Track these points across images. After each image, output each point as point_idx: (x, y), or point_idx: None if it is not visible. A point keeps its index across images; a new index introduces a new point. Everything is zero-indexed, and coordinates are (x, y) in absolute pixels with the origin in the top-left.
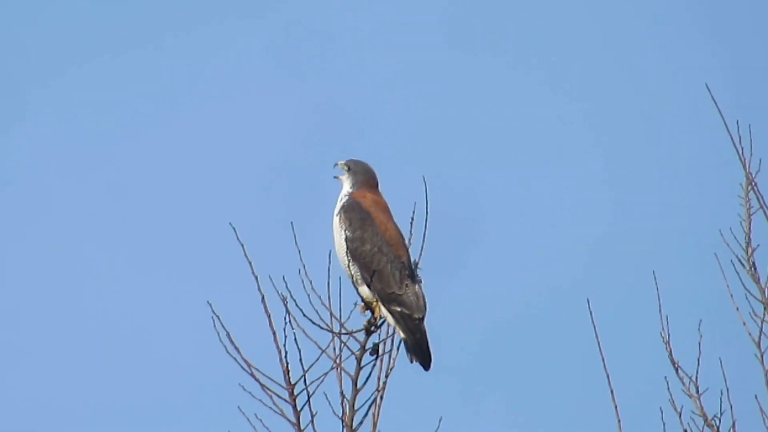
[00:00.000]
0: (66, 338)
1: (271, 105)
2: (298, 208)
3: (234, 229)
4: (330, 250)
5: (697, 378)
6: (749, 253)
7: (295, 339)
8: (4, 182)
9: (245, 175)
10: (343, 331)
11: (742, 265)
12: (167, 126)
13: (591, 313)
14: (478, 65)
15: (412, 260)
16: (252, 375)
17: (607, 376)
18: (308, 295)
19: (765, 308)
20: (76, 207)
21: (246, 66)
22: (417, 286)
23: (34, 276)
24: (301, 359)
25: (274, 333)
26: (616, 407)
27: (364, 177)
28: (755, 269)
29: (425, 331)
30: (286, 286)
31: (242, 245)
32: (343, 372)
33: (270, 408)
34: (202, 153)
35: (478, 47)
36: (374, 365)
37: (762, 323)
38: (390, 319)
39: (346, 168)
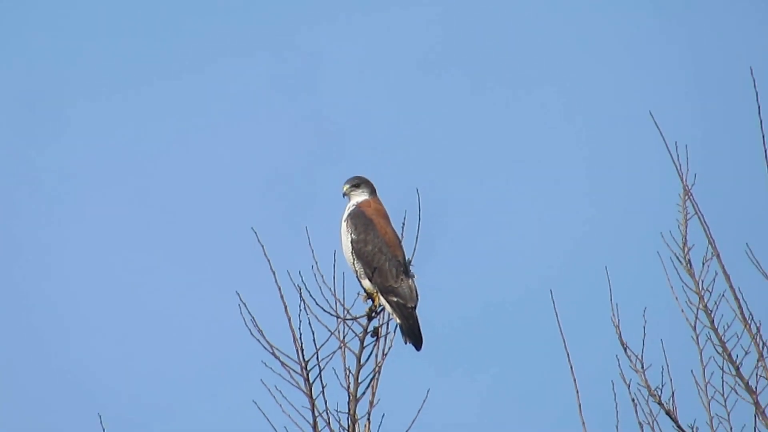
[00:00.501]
0: (121, 325)
1: (278, 124)
2: (310, 213)
3: (255, 232)
4: (335, 250)
5: (642, 356)
6: (686, 251)
7: (309, 323)
8: (58, 186)
9: (263, 185)
10: (349, 317)
11: (680, 261)
12: (195, 144)
13: (554, 302)
14: (460, 83)
15: (407, 258)
16: (272, 353)
17: (567, 355)
18: (319, 287)
19: (699, 298)
20: (118, 212)
21: (253, 92)
22: (411, 280)
23: (90, 273)
24: (313, 340)
25: (290, 319)
26: (575, 380)
27: (367, 190)
28: (690, 265)
29: (417, 318)
30: (301, 280)
31: (262, 246)
32: (348, 351)
33: (287, 381)
34: (224, 167)
35: (457, 68)
36: (374, 345)
37: (697, 310)
38: (388, 307)
39: (353, 188)
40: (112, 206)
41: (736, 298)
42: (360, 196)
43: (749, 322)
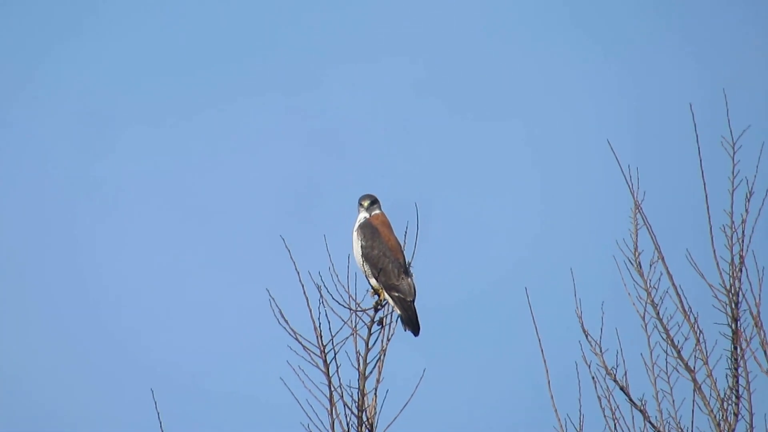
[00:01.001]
0: (171, 316)
1: (295, 147)
2: (327, 223)
3: (283, 239)
4: (348, 255)
5: (600, 342)
6: (636, 256)
7: (326, 315)
8: (116, 193)
9: (289, 199)
10: (359, 309)
11: (632, 264)
12: (230, 163)
13: (528, 298)
14: (441, 111)
15: (407, 261)
16: (296, 339)
17: (539, 341)
18: (335, 285)
19: (647, 294)
20: (164, 219)
21: (272, 121)
22: (410, 279)
23: (144, 271)
24: (329, 328)
25: (311, 311)
26: (545, 361)
27: (377, 206)
28: (640, 267)
29: (415, 309)
30: (320, 279)
31: (288, 251)
32: (358, 337)
33: (308, 362)
34: (255, 183)
35: (439, 99)
36: (380, 332)
37: (645, 304)
38: (390, 301)
39: (370, 204)
40: (158, 213)
41: (678, 294)
42: (372, 211)
43: (688, 313)
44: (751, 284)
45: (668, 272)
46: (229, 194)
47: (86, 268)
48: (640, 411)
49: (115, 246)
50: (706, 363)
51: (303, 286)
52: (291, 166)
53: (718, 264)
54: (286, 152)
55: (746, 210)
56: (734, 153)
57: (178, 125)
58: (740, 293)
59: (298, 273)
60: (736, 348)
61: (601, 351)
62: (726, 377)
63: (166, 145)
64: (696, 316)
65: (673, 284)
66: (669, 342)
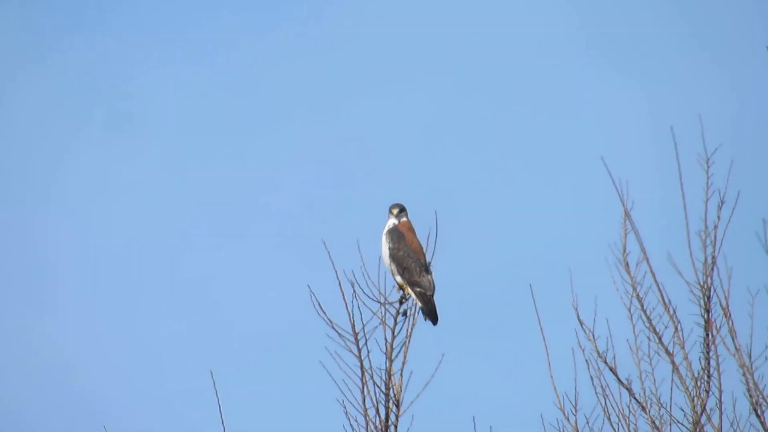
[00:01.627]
0: (230, 312)
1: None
2: (361, 228)
3: (324, 242)
4: (378, 256)
5: (593, 330)
6: (625, 256)
7: (359, 307)
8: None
9: (329, 208)
10: (386, 302)
11: (620, 263)
12: (273, 178)
13: (532, 292)
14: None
15: (428, 261)
16: (333, 328)
17: (541, 329)
18: (366, 282)
19: (633, 289)
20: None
21: (315, 148)
22: (430, 276)
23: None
24: (361, 319)
25: (346, 304)
26: (546, 347)
27: (405, 213)
28: (628, 266)
29: (434, 303)
30: (353, 276)
31: (328, 252)
32: (386, 326)
33: (343, 347)
34: (297, 195)
35: (458, 130)
36: (404, 322)
37: (632, 298)
38: (413, 295)
39: (399, 212)
40: (216, 219)
41: (659, 290)
42: (400, 218)
43: (668, 306)
44: (721, 281)
45: (651, 271)
46: (278, 201)
47: (177, 268)
48: (627, 388)
49: (198, 247)
50: (683, 348)
51: (339, 282)
52: (330, 176)
53: (693, 264)
54: (327, 164)
55: (718, 217)
56: (708, 168)
57: (224, 129)
58: (712, 289)
59: (336, 272)
60: (708, 335)
61: (593, 338)
62: (699, 360)
63: (237, 163)
64: (674, 308)
65: (656, 281)
66: (651, 330)
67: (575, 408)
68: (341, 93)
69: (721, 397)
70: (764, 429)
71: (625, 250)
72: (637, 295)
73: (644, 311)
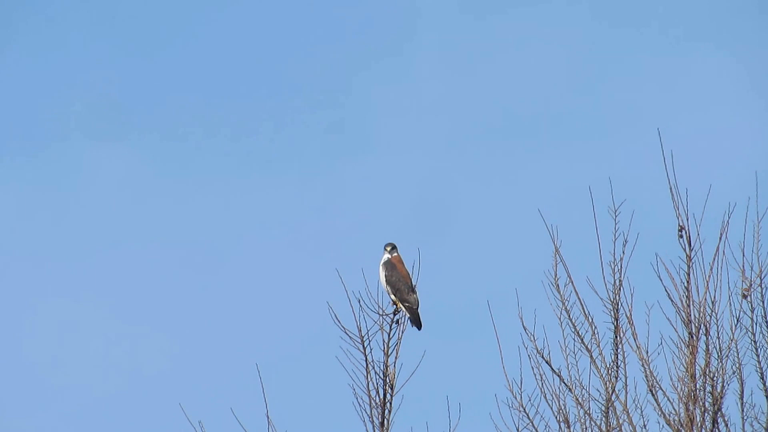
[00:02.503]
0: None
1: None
2: (361, 261)
3: (338, 271)
4: (377, 281)
5: (534, 333)
6: (556, 280)
7: (364, 317)
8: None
9: (339, 238)
10: (384, 313)
11: (552, 285)
12: (298, 212)
13: (489, 307)
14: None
15: (414, 283)
16: (346, 332)
17: (496, 333)
18: (369, 299)
19: (562, 304)
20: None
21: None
22: (415, 294)
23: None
24: (366, 326)
25: (355, 314)
26: (500, 346)
27: (394, 250)
28: (558, 287)
29: (419, 314)
30: (360, 295)
31: (341, 278)
32: (384, 331)
33: (353, 347)
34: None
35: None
36: (397, 328)
37: (561, 310)
38: (403, 309)
39: (392, 249)
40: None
41: (581, 304)
42: (392, 254)
43: (588, 315)
44: (626, 298)
45: (575, 291)
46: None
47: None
48: (558, 375)
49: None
50: (598, 346)
51: (350, 300)
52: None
53: (606, 285)
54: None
55: (623, 252)
56: (615, 217)
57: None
58: (619, 303)
59: (347, 292)
60: (616, 337)
61: (534, 339)
62: (610, 354)
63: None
64: (592, 317)
65: (579, 298)
66: (576, 333)
67: (521, 389)
68: None
69: (626, 381)
70: (657, 405)
71: (556, 276)
72: (565, 308)
73: (570, 320)
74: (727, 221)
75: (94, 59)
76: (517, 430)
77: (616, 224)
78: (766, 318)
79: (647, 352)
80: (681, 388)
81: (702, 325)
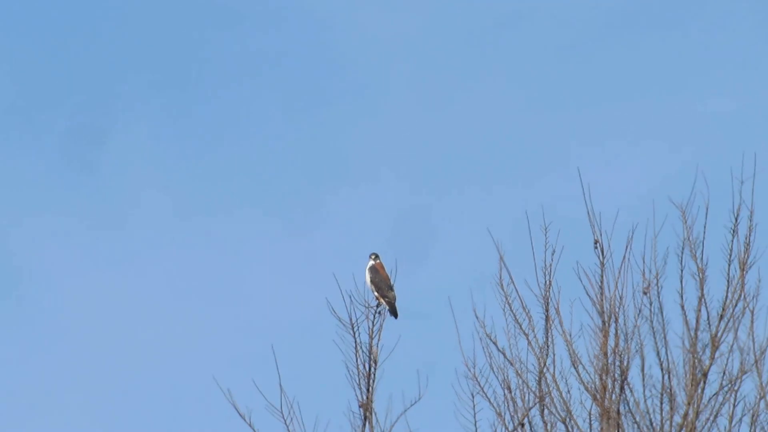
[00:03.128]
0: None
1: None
2: (353, 267)
3: (334, 275)
4: (364, 281)
5: (484, 320)
6: (501, 281)
7: (354, 308)
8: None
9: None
10: (369, 306)
11: (498, 284)
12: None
13: (450, 303)
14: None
15: (392, 283)
16: (339, 320)
17: (455, 322)
18: (358, 295)
19: (506, 298)
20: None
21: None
22: (393, 292)
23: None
24: (355, 315)
25: (347, 307)
26: (458, 331)
27: (378, 258)
28: (502, 286)
29: (396, 307)
30: (350, 293)
31: (337, 281)
32: (369, 320)
33: (345, 332)
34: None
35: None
36: (379, 318)
37: (504, 303)
38: (383, 302)
39: (375, 257)
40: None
41: (520, 298)
42: (376, 261)
43: (525, 308)
44: (554, 294)
45: (516, 289)
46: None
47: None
48: (502, 353)
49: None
50: (533, 330)
51: (343, 296)
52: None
53: (539, 284)
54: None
55: (552, 260)
56: (546, 233)
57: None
58: (549, 299)
59: (341, 291)
60: (547, 323)
61: (484, 325)
62: (542, 337)
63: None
64: (528, 309)
65: (518, 294)
66: (516, 321)
67: (474, 364)
68: None
69: (554, 358)
70: (578, 375)
71: (501, 278)
72: (508, 302)
73: (512, 311)
74: (631, 236)
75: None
76: (471, 395)
77: (546, 239)
78: (660, 309)
79: (570, 335)
80: (596, 363)
81: (612, 315)
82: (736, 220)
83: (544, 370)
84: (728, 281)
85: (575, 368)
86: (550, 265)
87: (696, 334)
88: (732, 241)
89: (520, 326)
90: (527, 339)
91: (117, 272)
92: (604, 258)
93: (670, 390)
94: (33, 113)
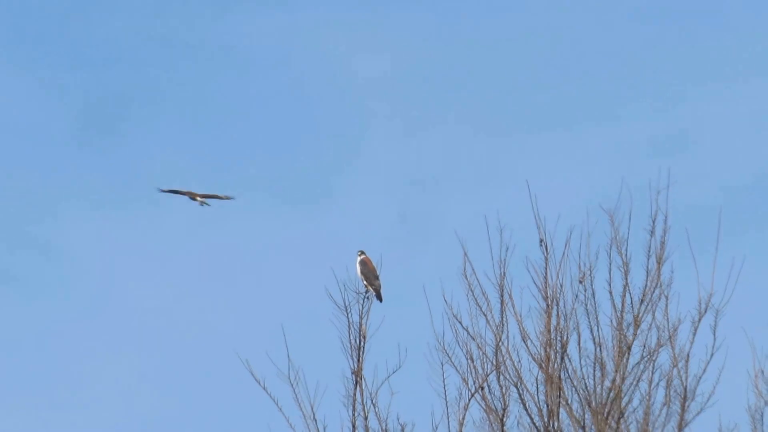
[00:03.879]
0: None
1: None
2: (347, 260)
3: (333, 271)
4: (355, 272)
5: (452, 307)
6: (466, 275)
7: (347, 294)
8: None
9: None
10: (359, 292)
11: (465, 277)
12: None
13: (425, 293)
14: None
15: (378, 273)
16: (335, 304)
17: (429, 307)
18: (351, 283)
19: (469, 287)
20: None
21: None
22: (379, 281)
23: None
24: (347, 300)
25: (342, 293)
26: (431, 316)
27: (364, 253)
28: (467, 278)
29: (381, 293)
30: (344, 283)
31: (335, 274)
32: (359, 303)
33: (341, 313)
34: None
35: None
36: (367, 302)
37: (468, 293)
38: (371, 289)
39: (362, 253)
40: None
41: (481, 288)
42: (363, 255)
43: (485, 295)
44: (508, 283)
45: (477, 278)
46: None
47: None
48: (466, 330)
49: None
50: (491, 312)
51: (339, 285)
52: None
53: (495, 275)
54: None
55: (506, 255)
56: (501, 234)
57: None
58: (503, 286)
59: (338, 281)
60: (502, 306)
61: (451, 308)
62: (498, 317)
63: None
64: (487, 296)
65: (480, 285)
66: (478, 306)
67: (443, 339)
68: None
69: (508, 334)
70: (527, 348)
71: (465, 270)
72: (471, 289)
73: (474, 296)
74: (569, 236)
75: None
76: (441, 364)
77: (501, 239)
78: (593, 295)
79: (521, 315)
80: (542, 338)
81: (554, 299)
82: (654, 223)
83: (500, 343)
84: (647, 272)
85: (525, 342)
86: (505, 259)
87: (622, 315)
88: (650, 240)
89: (480, 308)
90: (486, 319)
91: (147, 255)
92: (547, 253)
93: (602, 360)
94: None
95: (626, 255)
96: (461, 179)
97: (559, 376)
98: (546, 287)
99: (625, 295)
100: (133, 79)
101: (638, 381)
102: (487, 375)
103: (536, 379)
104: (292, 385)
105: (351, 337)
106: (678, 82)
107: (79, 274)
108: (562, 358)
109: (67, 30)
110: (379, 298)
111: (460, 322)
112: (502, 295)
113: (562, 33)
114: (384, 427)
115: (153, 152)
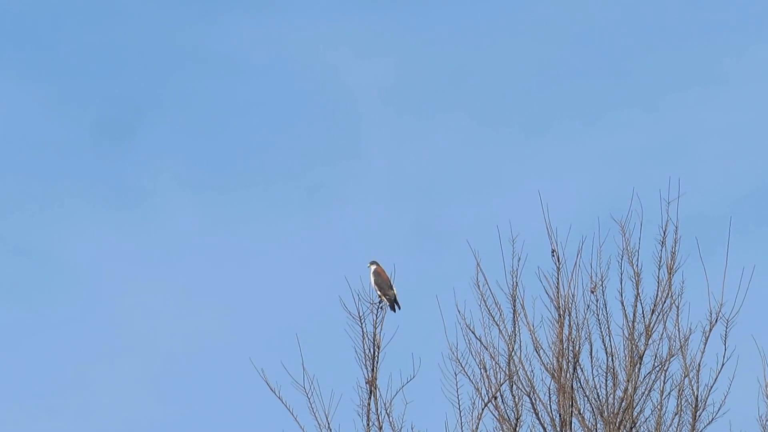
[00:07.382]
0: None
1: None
2: (360, 271)
3: (346, 279)
4: (369, 284)
5: (464, 315)
6: (479, 285)
7: (360, 304)
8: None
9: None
10: (372, 302)
11: (476, 286)
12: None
13: (438, 302)
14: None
15: (392, 282)
16: (349, 314)
17: (441, 315)
18: (364, 293)
19: (482, 297)
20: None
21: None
22: (393, 291)
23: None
24: (362, 310)
25: (356, 303)
26: (444, 324)
27: (376, 263)
28: (479, 288)
29: (395, 302)
30: (359, 292)
31: (348, 283)
32: (373, 313)
33: (355, 323)
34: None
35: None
36: (381, 312)
37: (480, 302)
38: (384, 299)
39: (374, 264)
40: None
41: (493, 297)
42: (376, 266)
43: (497, 304)
44: (520, 293)
45: (490, 288)
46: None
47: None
48: (479, 340)
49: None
50: (503, 321)
51: (353, 294)
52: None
53: (508, 285)
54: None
55: (518, 265)
56: (513, 244)
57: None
58: (516, 296)
59: (351, 290)
60: (514, 314)
61: (464, 318)
62: (511, 327)
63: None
64: (500, 304)
65: (492, 294)
66: (490, 315)
67: (457, 349)
68: None
69: (521, 343)
70: (540, 358)
71: (477, 280)
72: (483, 299)
73: (486, 306)
74: (581, 246)
75: None
76: (455, 374)
77: (513, 249)
78: (605, 305)
79: (533, 325)
80: (554, 348)
81: (566, 309)
82: (665, 233)
83: (513, 353)
84: (658, 283)
85: (537, 352)
86: (517, 269)
87: (633, 325)
88: (661, 250)
89: (493, 318)
90: (499, 329)
91: (155, 263)
92: (559, 264)
93: (614, 370)
94: (64, 109)
95: (637, 265)
96: (470, 186)
97: (572, 385)
98: (558, 297)
99: (636, 305)
100: (137, 88)
101: (650, 391)
102: (500, 385)
103: (549, 388)
104: (306, 393)
105: (365, 347)
106: (679, 87)
107: (92, 281)
108: (575, 368)
109: (67, 37)
110: (394, 307)
111: (473, 332)
112: (514, 305)
113: (568, 39)
114: None
115: (159, 159)
